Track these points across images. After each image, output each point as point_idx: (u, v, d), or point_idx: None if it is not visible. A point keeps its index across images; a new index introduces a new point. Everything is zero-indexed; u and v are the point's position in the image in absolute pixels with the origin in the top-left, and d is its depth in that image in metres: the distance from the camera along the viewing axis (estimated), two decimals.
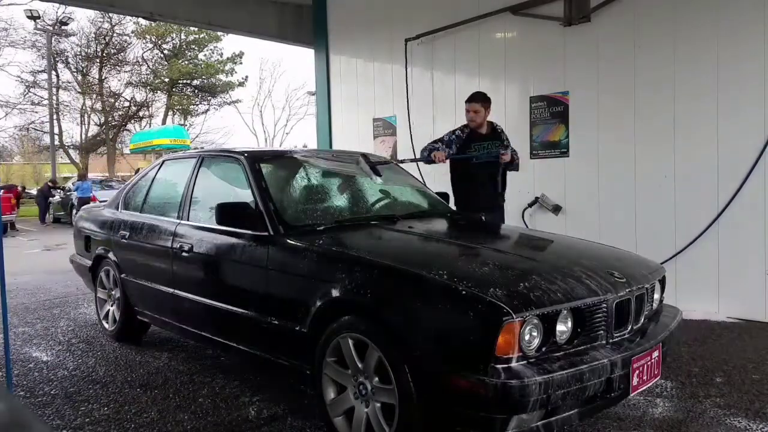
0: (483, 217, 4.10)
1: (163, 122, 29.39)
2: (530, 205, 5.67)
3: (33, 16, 23.58)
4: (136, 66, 29.19)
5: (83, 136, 29.45)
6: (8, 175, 44.11)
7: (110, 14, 24.67)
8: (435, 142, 4.46)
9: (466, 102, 4.39)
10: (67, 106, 28.60)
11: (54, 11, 25.39)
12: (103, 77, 28.52)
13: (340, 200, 3.32)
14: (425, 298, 2.16)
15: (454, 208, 4.01)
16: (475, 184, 4.30)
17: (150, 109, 30.57)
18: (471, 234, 3.15)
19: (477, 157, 4.30)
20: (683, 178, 4.71)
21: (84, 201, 16.00)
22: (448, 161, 4.35)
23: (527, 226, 5.54)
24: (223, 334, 3.16)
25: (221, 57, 29.87)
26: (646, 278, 2.53)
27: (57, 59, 26.99)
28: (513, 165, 4.40)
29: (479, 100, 4.39)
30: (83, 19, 41.60)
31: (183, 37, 28.94)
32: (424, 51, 6.58)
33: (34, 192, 23.43)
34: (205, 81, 30.30)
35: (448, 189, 4.36)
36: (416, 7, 6.62)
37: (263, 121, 45.95)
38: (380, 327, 2.24)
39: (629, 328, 2.36)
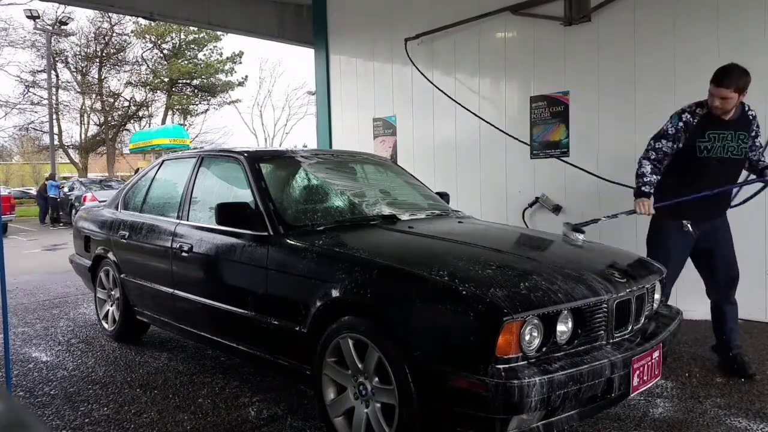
0: (690, 227, 3.31)
1: (163, 122, 29.38)
2: (530, 205, 5.67)
3: (32, 16, 23.56)
4: (135, 66, 29.22)
5: (83, 136, 29.46)
6: (8, 175, 44.10)
7: (110, 14, 24.67)
8: (657, 139, 3.31)
9: (711, 83, 3.16)
10: (67, 105, 28.66)
11: (53, 11, 25.44)
12: (102, 77, 28.53)
13: (339, 200, 3.31)
14: (425, 299, 2.15)
15: (451, 206, 3.94)
16: (698, 185, 3.23)
17: (149, 108, 30.62)
18: (471, 234, 3.15)
19: (707, 150, 3.19)
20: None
21: (53, 199, 17.60)
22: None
23: (527, 226, 5.53)
24: (222, 334, 3.15)
25: (221, 57, 29.89)
26: (647, 278, 2.53)
27: (56, 59, 26.99)
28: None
29: (731, 84, 3.06)
30: (83, 18, 41.70)
31: (183, 36, 28.93)
32: (424, 50, 6.58)
33: (33, 192, 23.71)
34: (205, 81, 30.29)
35: None
36: (416, 7, 6.62)
37: (263, 120, 46.06)
38: (380, 327, 2.24)
39: (629, 329, 2.36)
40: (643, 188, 3.32)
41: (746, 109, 3.32)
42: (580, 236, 3.02)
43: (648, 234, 3.60)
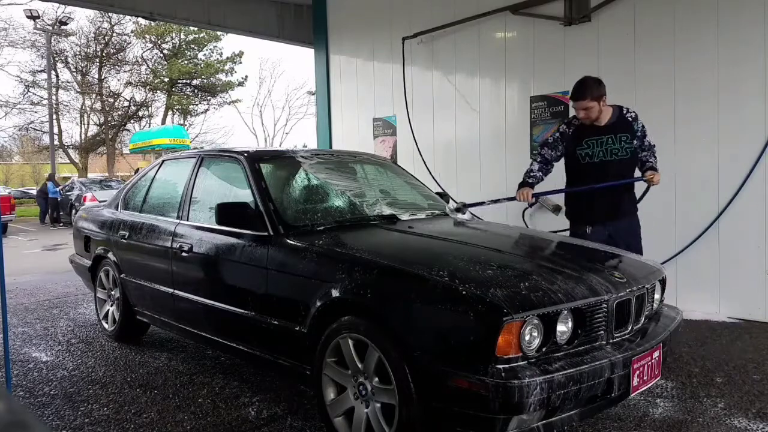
0: (591, 231, 3.50)
1: (163, 122, 29.38)
2: (530, 205, 5.66)
3: (32, 16, 23.58)
4: (135, 66, 29.22)
5: (83, 136, 29.45)
6: (8, 175, 44.11)
7: (110, 14, 24.67)
8: (541, 146, 3.68)
9: (570, 99, 3.53)
10: (67, 106, 28.65)
11: (53, 11, 25.43)
12: (102, 77, 28.52)
13: (339, 200, 3.31)
14: (425, 299, 2.15)
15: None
16: (592, 192, 3.48)
17: (150, 108, 30.61)
18: (471, 234, 3.15)
19: (590, 156, 3.46)
20: (683, 178, 4.70)
21: (53, 199, 17.79)
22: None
23: (527, 226, 5.53)
24: (222, 334, 3.15)
25: (221, 57, 29.89)
26: (647, 278, 2.53)
27: (56, 59, 26.99)
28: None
29: (587, 96, 3.36)
30: (83, 18, 41.68)
31: (182, 36, 28.93)
32: (424, 50, 6.58)
33: (34, 192, 23.79)
34: (205, 81, 30.30)
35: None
36: (416, 6, 6.62)
37: (263, 120, 46.10)
38: (380, 327, 2.23)
39: (629, 329, 2.35)
40: (526, 179, 3.65)
41: (624, 111, 3.53)
42: (463, 216, 3.27)
43: None
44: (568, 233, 3.76)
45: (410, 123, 6.59)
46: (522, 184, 3.67)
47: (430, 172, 6.44)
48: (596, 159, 3.48)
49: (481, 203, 3.95)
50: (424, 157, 6.64)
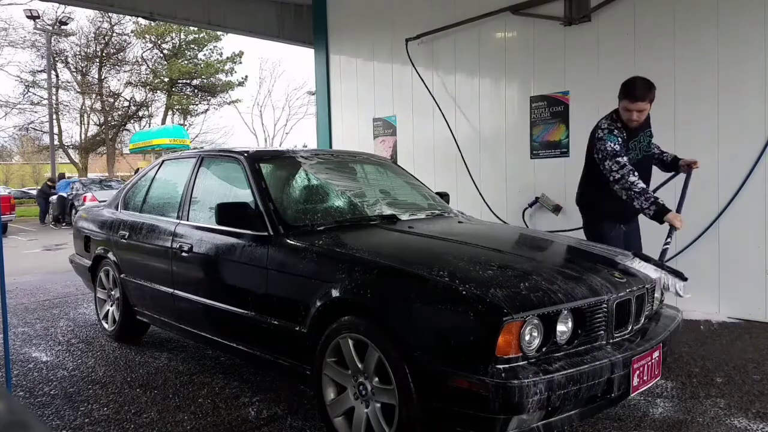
0: (621, 228, 3.55)
1: (163, 122, 29.39)
2: (530, 205, 5.67)
3: (32, 16, 23.61)
4: (135, 66, 29.24)
5: (83, 136, 29.46)
6: (8, 175, 44.11)
7: (110, 14, 24.68)
8: (613, 158, 3.29)
9: (625, 99, 3.33)
10: (67, 105, 28.67)
11: (53, 11, 25.46)
12: (102, 77, 28.53)
13: (339, 200, 3.31)
14: (425, 299, 2.15)
15: (451, 206, 3.93)
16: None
17: (150, 108, 30.62)
18: (471, 234, 3.15)
19: (633, 158, 3.47)
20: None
21: (62, 198, 17.13)
22: None
23: (527, 226, 5.53)
24: (222, 334, 3.15)
25: (221, 57, 29.91)
26: (646, 278, 2.53)
27: (56, 59, 27.01)
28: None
29: (646, 97, 3.29)
30: (83, 18, 41.70)
31: (183, 36, 28.94)
32: (424, 51, 6.58)
33: (34, 192, 23.72)
34: (205, 81, 30.32)
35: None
36: (417, 7, 6.62)
37: (263, 120, 46.12)
38: (380, 327, 2.23)
39: (629, 329, 2.35)
40: (658, 200, 3.20)
41: None
42: (682, 284, 2.76)
43: (593, 237, 3.59)
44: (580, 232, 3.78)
45: (446, 121, 6.44)
46: (665, 209, 3.15)
47: (468, 172, 6.44)
48: (639, 158, 3.51)
49: (665, 251, 3.16)
50: (423, 157, 6.65)
